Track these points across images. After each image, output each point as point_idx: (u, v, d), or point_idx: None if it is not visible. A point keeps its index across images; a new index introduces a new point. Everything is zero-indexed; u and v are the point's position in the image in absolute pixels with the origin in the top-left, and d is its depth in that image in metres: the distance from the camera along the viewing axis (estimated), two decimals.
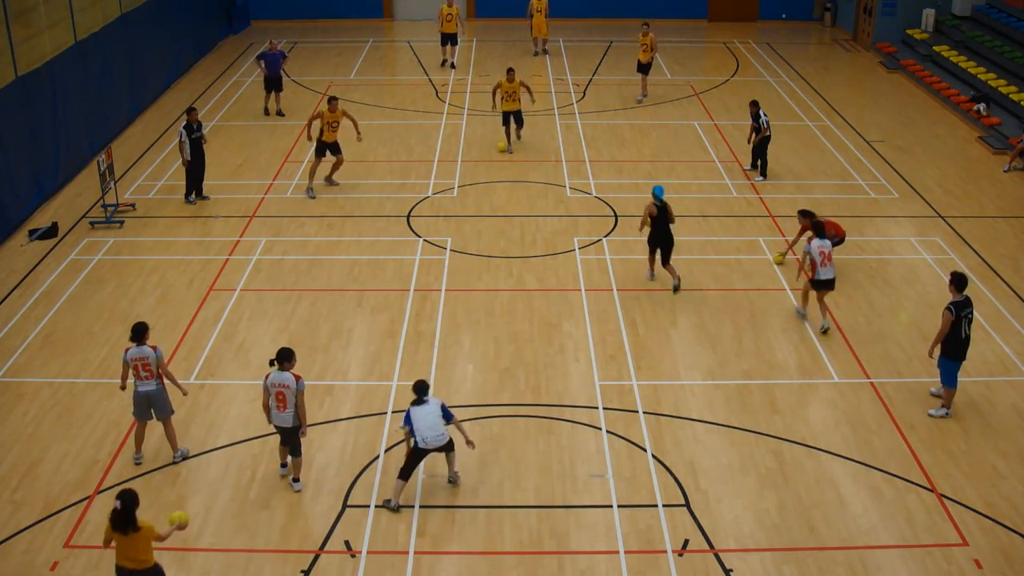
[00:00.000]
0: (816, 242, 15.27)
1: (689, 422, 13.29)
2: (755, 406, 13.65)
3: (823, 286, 15.34)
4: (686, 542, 11.20)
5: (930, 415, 13.40)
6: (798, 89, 28.10)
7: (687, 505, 11.77)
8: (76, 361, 14.70)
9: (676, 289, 16.47)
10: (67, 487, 12.07)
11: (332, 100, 20.08)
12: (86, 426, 13.20)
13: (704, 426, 13.22)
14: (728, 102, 26.64)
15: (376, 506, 11.71)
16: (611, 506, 11.75)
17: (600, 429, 13.13)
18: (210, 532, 11.36)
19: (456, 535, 11.33)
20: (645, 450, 12.73)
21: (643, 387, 14.07)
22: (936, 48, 29.63)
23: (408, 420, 11.47)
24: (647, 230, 16.60)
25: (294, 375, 11.54)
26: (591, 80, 28.78)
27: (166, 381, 12.24)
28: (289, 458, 12.04)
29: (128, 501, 9.34)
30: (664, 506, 11.75)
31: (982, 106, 24.91)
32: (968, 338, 13.21)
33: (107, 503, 11.75)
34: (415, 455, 11.60)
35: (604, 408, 13.56)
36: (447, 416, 11.56)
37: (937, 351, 13.36)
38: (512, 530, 11.40)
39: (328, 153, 20.30)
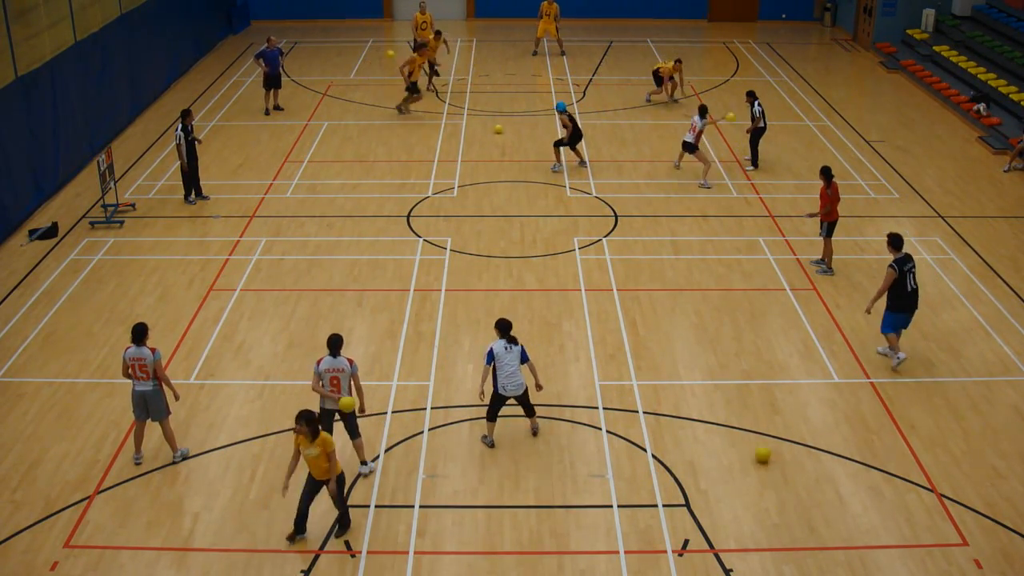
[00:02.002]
0: (696, 118, 20.82)
1: (689, 422, 13.29)
2: (755, 406, 13.65)
3: (686, 147, 21.03)
4: (686, 542, 11.20)
5: (893, 366, 14.42)
6: (798, 89, 28.10)
7: (687, 505, 11.77)
8: (76, 361, 14.70)
9: (584, 164, 21.89)
10: (67, 487, 12.07)
11: (421, 47, 25.18)
12: (86, 426, 13.20)
13: (704, 426, 13.22)
14: (728, 102, 26.62)
15: (376, 506, 11.72)
16: (611, 506, 11.75)
17: (600, 429, 13.13)
18: (210, 532, 11.36)
19: (456, 535, 11.33)
20: (645, 450, 12.73)
21: (643, 387, 14.07)
22: (936, 48, 29.63)
23: (491, 358, 12.29)
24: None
25: (347, 359, 11.90)
26: (591, 80, 28.79)
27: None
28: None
29: (310, 414, 10.70)
30: (664, 506, 11.75)
31: (982, 106, 24.91)
32: (914, 291, 14.20)
33: (107, 503, 11.78)
34: (495, 400, 12.52)
35: (604, 408, 13.56)
36: (524, 359, 12.39)
37: (882, 305, 14.45)
38: (512, 530, 11.40)
39: (411, 92, 24.87)
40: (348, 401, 11.72)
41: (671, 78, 26.27)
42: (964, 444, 12.90)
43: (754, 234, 18.75)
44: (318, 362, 11.93)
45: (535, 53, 31.56)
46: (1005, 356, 14.89)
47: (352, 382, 11.99)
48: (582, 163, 21.92)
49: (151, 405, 12.18)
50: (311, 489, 11.08)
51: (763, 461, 12.52)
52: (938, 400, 13.80)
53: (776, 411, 13.54)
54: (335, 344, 11.91)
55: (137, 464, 12.43)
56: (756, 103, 21.50)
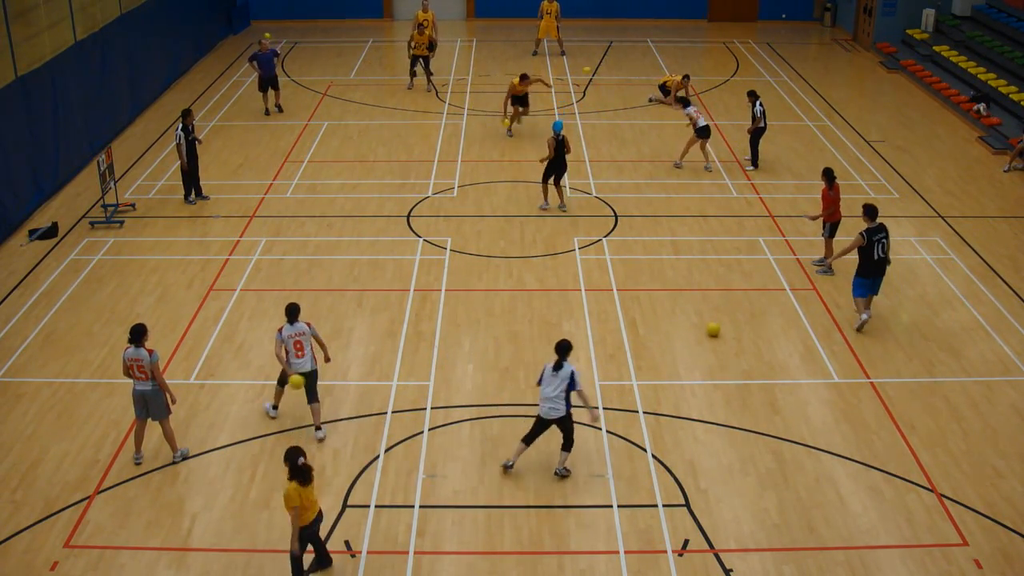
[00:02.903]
0: (689, 108, 21.79)
1: (689, 422, 13.29)
2: (755, 406, 13.65)
3: (700, 133, 21.49)
4: (686, 542, 11.20)
5: (856, 327, 15.38)
6: (798, 89, 28.10)
7: (687, 505, 11.78)
8: (76, 361, 14.70)
9: (562, 208, 19.78)
10: (67, 487, 12.07)
11: (524, 78, 23.44)
12: (86, 426, 13.20)
13: (704, 426, 13.22)
14: (728, 102, 26.65)
15: (376, 506, 11.72)
16: (611, 506, 11.75)
17: (600, 429, 13.13)
18: (210, 532, 11.37)
19: (456, 535, 11.34)
20: (645, 450, 12.73)
21: (643, 387, 14.07)
22: (936, 48, 29.63)
23: (541, 378, 12.08)
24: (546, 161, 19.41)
25: (306, 323, 12.78)
26: (591, 80, 28.79)
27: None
28: (281, 400, 13.19)
29: (289, 452, 10.17)
30: (664, 506, 11.75)
31: (982, 106, 24.91)
32: (881, 260, 15.11)
33: (107, 503, 11.77)
34: (535, 423, 12.17)
35: (604, 408, 13.56)
36: (573, 386, 11.88)
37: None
38: (512, 530, 11.40)
39: (520, 106, 24.10)
40: (297, 380, 12.45)
41: (677, 92, 26.09)
42: (964, 444, 12.90)
43: (754, 234, 18.75)
44: (279, 330, 12.63)
45: (535, 53, 31.56)
46: (1005, 356, 14.89)
47: (313, 340, 12.77)
48: (560, 206, 19.76)
49: (151, 405, 12.18)
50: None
51: (713, 335, 14.90)
52: (938, 400, 13.81)
53: (776, 411, 13.55)
54: (292, 312, 12.63)
55: (137, 464, 12.43)
56: (758, 103, 21.48)
